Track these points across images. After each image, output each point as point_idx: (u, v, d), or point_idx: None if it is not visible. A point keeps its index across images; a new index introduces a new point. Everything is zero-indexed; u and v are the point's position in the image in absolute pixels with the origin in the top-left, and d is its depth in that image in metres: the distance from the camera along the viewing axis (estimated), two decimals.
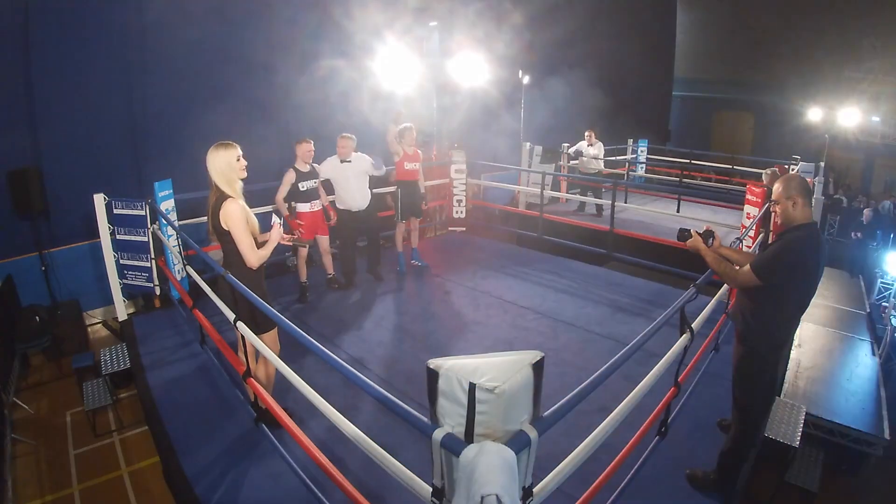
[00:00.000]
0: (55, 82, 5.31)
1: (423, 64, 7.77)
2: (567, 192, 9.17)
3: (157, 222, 4.56)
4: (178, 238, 4.47)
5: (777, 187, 2.31)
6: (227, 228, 2.58)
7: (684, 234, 2.64)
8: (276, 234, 2.78)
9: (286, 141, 7.00)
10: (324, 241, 5.01)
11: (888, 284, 7.01)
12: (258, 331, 2.71)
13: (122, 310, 4.68)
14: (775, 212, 2.33)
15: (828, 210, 10.37)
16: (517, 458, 1.25)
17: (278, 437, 2.74)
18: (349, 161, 4.75)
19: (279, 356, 2.53)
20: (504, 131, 9.76)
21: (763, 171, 6.24)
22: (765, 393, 2.49)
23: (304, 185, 4.64)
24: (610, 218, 6.10)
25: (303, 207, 4.66)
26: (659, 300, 4.99)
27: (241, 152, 2.72)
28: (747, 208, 5.51)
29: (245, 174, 2.72)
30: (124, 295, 4.77)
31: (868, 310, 6.18)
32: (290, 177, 4.57)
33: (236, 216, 2.55)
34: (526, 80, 9.45)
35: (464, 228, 7.36)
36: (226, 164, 2.62)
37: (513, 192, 8.68)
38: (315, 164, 4.76)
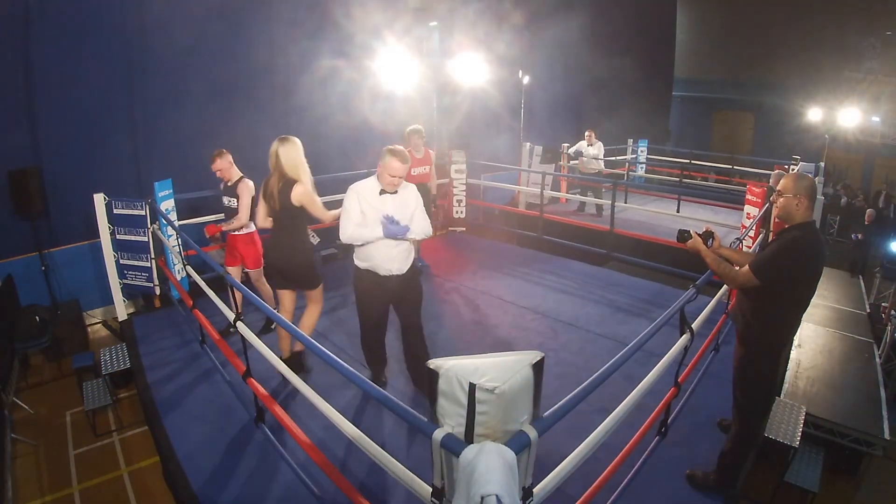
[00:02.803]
0: (55, 82, 5.31)
1: (423, 64, 7.77)
2: (567, 192, 9.17)
3: (157, 222, 4.56)
4: (178, 238, 4.47)
5: (787, 182, 2.28)
6: (299, 205, 3.13)
7: (684, 234, 2.65)
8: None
9: None
10: (253, 276, 4.17)
11: (888, 284, 7.00)
12: (312, 286, 3.36)
13: (122, 310, 4.68)
14: (777, 203, 2.32)
15: (828, 210, 10.37)
16: (517, 458, 1.25)
17: (278, 437, 2.74)
18: (393, 193, 2.99)
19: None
20: (504, 131, 9.76)
21: (771, 173, 6.25)
22: (765, 393, 2.49)
23: (226, 201, 4.01)
24: (610, 218, 6.10)
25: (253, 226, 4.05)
26: (659, 300, 4.99)
27: None
28: (747, 208, 5.51)
29: None
30: (124, 295, 4.77)
31: (868, 310, 6.18)
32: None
33: (310, 193, 3.16)
34: (526, 80, 9.45)
35: (464, 228, 7.36)
36: (299, 156, 3.14)
37: (513, 192, 8.68)
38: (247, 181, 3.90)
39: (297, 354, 3.50)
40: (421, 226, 3.01)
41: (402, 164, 2.88)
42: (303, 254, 3.28)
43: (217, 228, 3.98)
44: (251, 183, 3.88)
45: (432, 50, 8.50)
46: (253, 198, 3.88)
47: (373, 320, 3.17)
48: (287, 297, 3.43)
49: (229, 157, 3.91)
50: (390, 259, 2.97)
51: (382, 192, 2.96)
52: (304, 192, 3.12)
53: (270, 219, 3.29)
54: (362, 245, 2.97)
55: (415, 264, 3.15)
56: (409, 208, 3.01)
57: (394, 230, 2.85)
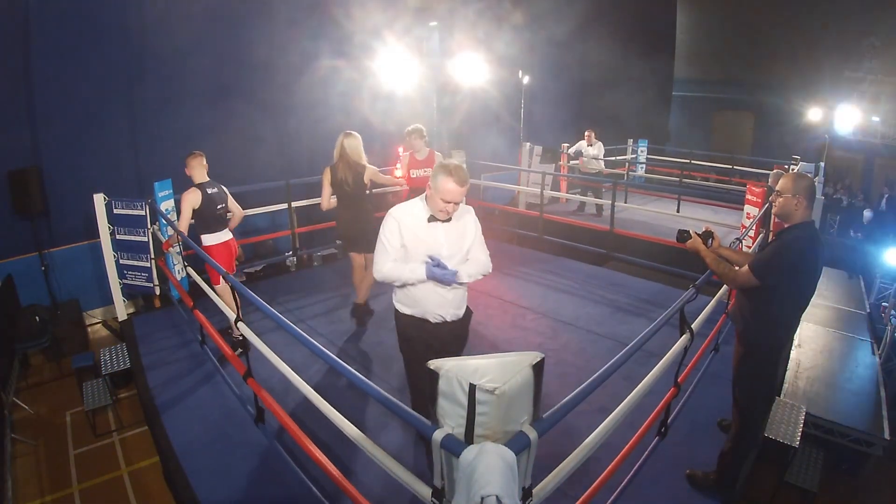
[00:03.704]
0: (55, 82, 5.32)
1: (423, 64, 7.77)
2: (567, 192, 9.17)
3: (157, 222, 4.57)
4: (177, 238, 4.48)
5: (786, 182, 2.28)
6: (368, 182, 4.00)
7: (683, 235, 2.65)
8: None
9: (286, 141, 7.01)
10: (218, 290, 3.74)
11: (888, 285, 7.01)
12: (370, 249, 3.58)
13: (122, 310, 4.68)
14: (776, 203, 2.32)
15: (828, 210, 10.37)
16: (517, 458, 1.25)
17: (278, 438, 2.74)
18: (446, 222, 2.34)
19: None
20: (504, 131, 9.76)
21: (770, 173, 6.25)
22: (765, 393, 2.50)
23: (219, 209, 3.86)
24: (610, 218, 6.10)
25: (210, 239, 3.86)
26: (659, 300, 4.99)
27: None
28: (747, 208, 5.51)
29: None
30: (124, 295, 4.77)
31: (868, 310, 6.18)
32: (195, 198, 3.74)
33: (375, 170, 4.03)
34: (526, 80, 9.45)
35: None
36: (360, 145, 3.92)
37: (513, 192, 8.68)
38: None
39: (362, 306, 4.32)
40: (480, 263, 2.40)
41: (460, 186, 2.21)
42: (369, 222, 4.04)
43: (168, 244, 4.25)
44: (191, 194, 3.68)
45: (432, 50, 8.49)
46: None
47: (415, 364, 2.55)
48: (357, 258, 4.21)
49: (189, 161, 3.75)
50: (444, 304, 2.37)
51: (432, 219, 2.30)
52: (373, 172, 3.99)
53: (334, 200, 4.05)
54: (403, 286, 2.37)
55: (467, 315, 2.59)
56: (466, 240, 2.39)
57: (438, 274, 2.21)
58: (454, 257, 2.32)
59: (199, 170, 3.79)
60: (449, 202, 2.23)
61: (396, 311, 2.49)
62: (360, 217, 4.06)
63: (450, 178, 2.18)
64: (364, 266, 4.21)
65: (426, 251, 2.28)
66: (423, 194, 2.37)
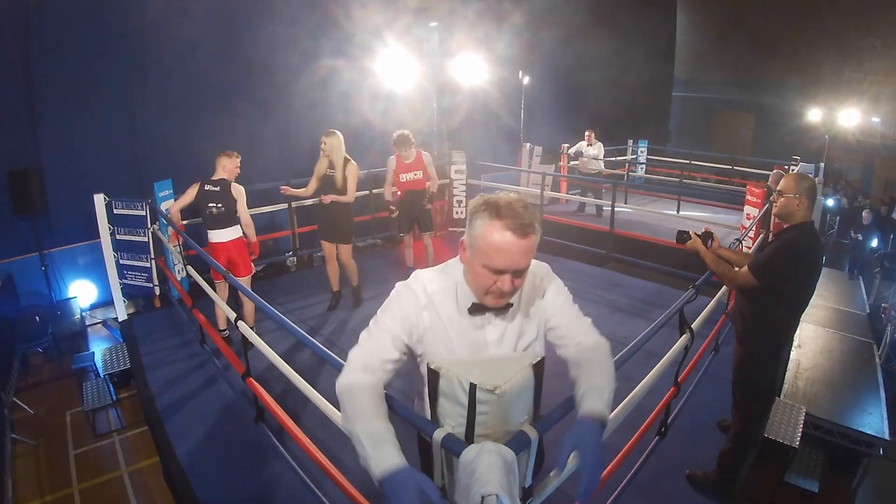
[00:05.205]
0: (55, 82, 5.31)
1: (423, 64, 7.77)
2: (567, 193, 9.17)
3: (157, 222, 4.57)
4: (178, 238, 4.48)
5: (788, 182, 2.28)
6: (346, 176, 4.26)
7: (683, 235, 2.64)
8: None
9: (286, 141, 7.01)
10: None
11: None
12: (346, 241, 4.49)
13: (122, 310, 4.68)
14: (777, 202, 2.32)
15: (828, 210, 10.38)
16: (517, 458, 1.25)
17: (278, 437, 2.74)
18: (502, 311, 1.33)
19: None
20: (504, 131, 9.75)
21: (770, 173, 6.26)
22: (765, 393, 2.49)
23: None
24: (610, 218, 6.10)
25: (209, 236, 3.87)
26: (658, 301, 4.98)
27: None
28: (747, 209, 5.52)
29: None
30: (124, 295, 4.77)
31: (868, 310, 6.18)
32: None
33: (356, 170, 4.32)
34: (526, 80, 9.45)
35: (464, 229, 7.34)
36: (340, 145, 4.19)
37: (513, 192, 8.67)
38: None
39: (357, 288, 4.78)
40: (607, 372, 1.37)
41: (521, 237, 1.20)
42: (346, 217, 4.44)
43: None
44: (190, 188, 3.83)
45: (432, 50, 8.49)
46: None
47: None
48: (329, 247, 4.54)
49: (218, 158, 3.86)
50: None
51: (477, 309, 1.32)
52: (353, 170, 4.28)
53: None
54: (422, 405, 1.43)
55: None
56: (536, 333, 1.42)
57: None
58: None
59: (218, 168, 3.81)
60: (503, 271, 1.22)
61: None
62: (330, 209, 4.34)
63: (497, 221, 1.20)
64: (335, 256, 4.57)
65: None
66: (454, 261, 1.39)
